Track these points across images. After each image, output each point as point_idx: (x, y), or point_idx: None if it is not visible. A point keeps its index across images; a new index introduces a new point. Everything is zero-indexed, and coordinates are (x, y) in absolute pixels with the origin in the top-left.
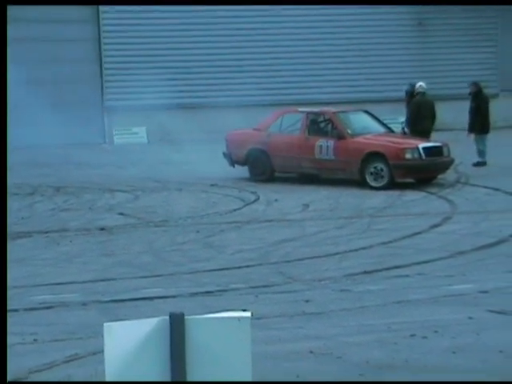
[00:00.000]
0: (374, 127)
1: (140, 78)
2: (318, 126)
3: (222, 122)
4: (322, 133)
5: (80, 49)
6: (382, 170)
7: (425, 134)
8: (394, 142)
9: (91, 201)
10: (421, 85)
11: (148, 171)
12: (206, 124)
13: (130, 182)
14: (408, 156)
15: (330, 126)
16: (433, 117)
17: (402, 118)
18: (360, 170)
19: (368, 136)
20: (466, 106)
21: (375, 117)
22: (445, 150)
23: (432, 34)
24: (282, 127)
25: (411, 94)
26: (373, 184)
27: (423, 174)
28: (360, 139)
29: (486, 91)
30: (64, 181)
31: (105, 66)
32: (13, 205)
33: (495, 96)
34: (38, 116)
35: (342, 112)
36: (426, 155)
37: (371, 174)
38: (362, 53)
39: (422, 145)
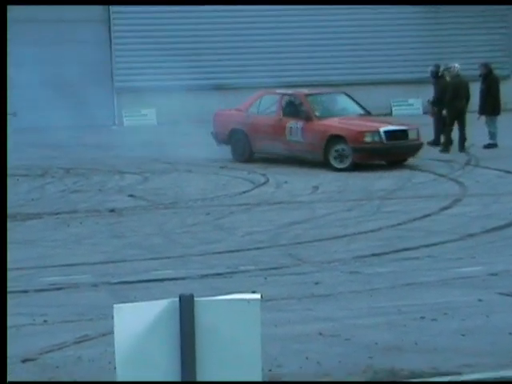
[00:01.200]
0: (350, 109)
1: (150, 59)
2: (290, 107)
3: (232, 104)
4: (294, 115)
5: (89, 30)
6: (344, 152)
7: (461, 115)
8: (356, 125)
9: (101, 182)
10: (456, 66)
11: (157, 153)
12: (216, 106)
13: (139, 163)
14: (367, 139)
15: (301, 108)
16: (467, 97)
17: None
18: (324, 151)
19: (335, 119)
20: (476, 87)
21: (354, 99)
22: (411, 133)
23: (443, 16)
24: (261, 108)
25: (436, 75)
26: (336, 165)
27: (385, 157)
28: (325, 122)
29: (497, 72)
30: (74, 162)
31: (114, 47)
32: (23, 186)
33: (506, 77)
34: (47, 98)
35: (315, 94)
36: (387, 138)
37: (334, 156)
38: (375, 34)
39: (383, 128)
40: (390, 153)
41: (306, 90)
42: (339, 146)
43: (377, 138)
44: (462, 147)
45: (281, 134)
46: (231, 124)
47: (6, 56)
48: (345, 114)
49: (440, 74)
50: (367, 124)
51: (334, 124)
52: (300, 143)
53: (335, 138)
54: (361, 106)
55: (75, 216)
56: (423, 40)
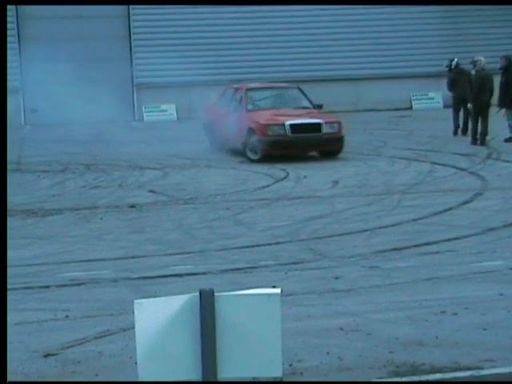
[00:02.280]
0: (295, 104)
1: (170, 54)
2: (235, 101)
3: None
4: (236, 108)
5: (109, 26)
6: (254, 144)
7: (485, 108)
8: (267, 119)
9: (121, 178)
10: (481, 59)
11: (177, 148)
12: None
13: (159, 159)
14: (270, 132)
15: (241, 101)
16: (491, 91)
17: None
18: (244, 143)
19: (262, 112)
20: (496, 80)
21: (305, 94)
22: (324, 126)
23: (463, 8)
24: (223, 102)
25: (450, 68)
26: (251, 157)
27: (289, 149)
28: (250, 115)
29: None
30: (94, 158)
31: (134, 43)
32: (44, 182)
33: None
34: (67, 94)
35: (257, 88)
36: (292, 132)
37: (250, 147)
38: (395, 28)
39: (290, 121)
40: (295, 145)
41: (255, 84)
42: (252, 139)
43: (281, 131)
44: (482, 141)
45: (228, 127)
46: (206, 117)
47: (6, 56)
48: (284, 107)
49: (453, 67)
50: (279, 117)
51: (252, 117)
52: (233, 135)
53: (250, 131)
54: (309, 100)
55: (96, 212)
56: (443, 33)
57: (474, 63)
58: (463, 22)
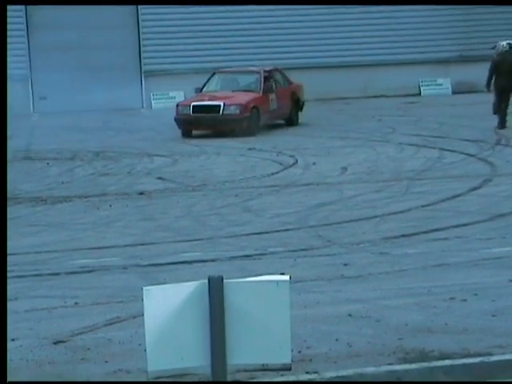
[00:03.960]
0: (247, 87)
1: (178, 41)
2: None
3: None
4: (198, 90)
5: (117, 14)
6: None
7: (504, 92)
8: (190, 100)
9: (130, 165)
10: (503, 44)
11: (186, 135)
12: None
13: (168, 146)
14: (180, 111)
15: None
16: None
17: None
18: None
19: (204, 94)
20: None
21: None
22: (228, 108)
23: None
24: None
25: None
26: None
27: (193, 126)
28: (196, 96)
29: None
30: (103, 146)
31: (142, 30)
32: (53, 170)
33: None
34: (76, 82)
35: (226, 72)
36: (193, 112)
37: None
38: (404, 14)
39: (194, 103)
40: (197, 124)
41: (228, 69)
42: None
43: (186, 111)
44: (502, 124)
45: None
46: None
47: (6, 55)
48: (235, 90)
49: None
50: (198, 98)
51: (192, 99)
52: None
53: None
54: (269, 85)
55: (105, 199)
56: (452, 19)
57: (495, 47)
58: (473, 7)
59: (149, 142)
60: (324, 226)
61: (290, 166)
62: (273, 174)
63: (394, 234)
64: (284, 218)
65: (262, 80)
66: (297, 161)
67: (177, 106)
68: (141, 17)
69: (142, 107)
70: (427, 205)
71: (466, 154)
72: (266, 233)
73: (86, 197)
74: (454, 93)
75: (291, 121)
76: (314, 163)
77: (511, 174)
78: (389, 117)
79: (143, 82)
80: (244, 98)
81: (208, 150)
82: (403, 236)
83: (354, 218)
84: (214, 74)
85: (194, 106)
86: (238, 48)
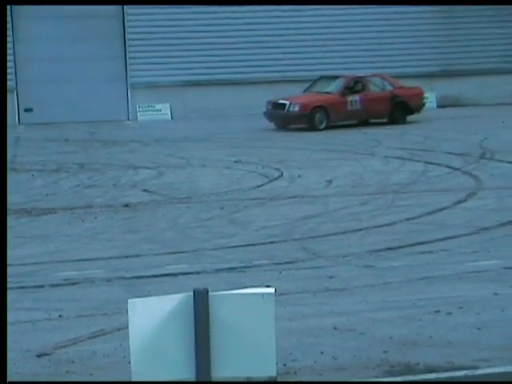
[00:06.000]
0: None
1: (164, 54)
2: None
3: (245, 98)
4: None
5: (104, 26)
6: None
7: None
8: (279, 98)
9: (115, 177)
10: None
11: (171, 148)
12: (231, 100)
13: (153, 158)
14: (266, 106)
15: None
16: None
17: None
18: None
19: (297, 95)
20: (490, 81)
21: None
22: (291, 106)
23: (458, 9)
24: None
25: None
26: None
27: (271, 119)
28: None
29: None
30: (89, 158)
31: (129, 42)
32: (38, 181)
33: None
34: (62, 93)
35: (327, 76)
36: (272, 107)
37: None
38: (388, 28)
39: (272, 100)
40: (272, 118)
41: (333, 74)
42: None
43: (268, 107)
44: None
45: None
46: None
47: (6, 55)
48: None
49: None
50: (287, 97)
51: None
52: None
53: None
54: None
55: (90, 211)
56: (437, 33)
57: None
58: (458, 22)
59: (135, 154)
60: (309, 238)
61: (276, 179)
62: (258, 186)
63: (380, 246)
64: (269, 230)
65: (343, 84)
66: (282, 173)
67: (267, 101)
68: (127, 29)
69: (128, 119)
70: (412, 218)
71: (450, 167)
72: (252, 245)
73: (70, 209)
74: (438, 106)
75: (394, 120)
76: (299, 176)
77: (496, 188)
78: (374, 129)
79: (129, 94)
80: (311, 98)
81: (194, 162)
82: (388, 249)
83: (340, 230)
84: (320, 77)
85: (271, 103)
86: (225, 61)
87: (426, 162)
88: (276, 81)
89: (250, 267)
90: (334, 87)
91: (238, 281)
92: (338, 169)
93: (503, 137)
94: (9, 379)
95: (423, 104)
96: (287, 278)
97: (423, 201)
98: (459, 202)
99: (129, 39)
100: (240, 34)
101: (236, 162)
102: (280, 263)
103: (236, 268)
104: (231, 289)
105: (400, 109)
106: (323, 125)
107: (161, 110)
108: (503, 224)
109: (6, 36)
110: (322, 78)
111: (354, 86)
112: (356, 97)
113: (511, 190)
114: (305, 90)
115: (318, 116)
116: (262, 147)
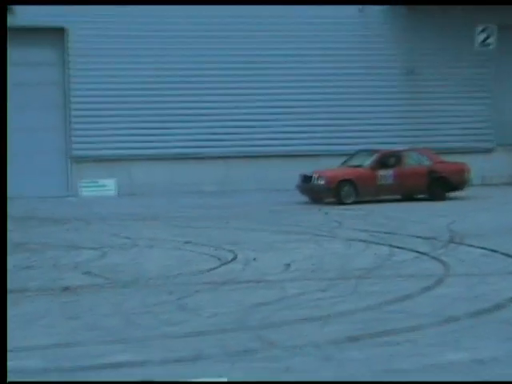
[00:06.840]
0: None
1: (109, 126)
2: None
3: (196, 174)
4: None
5: (45, 93)
6: None
7: None
8: (315, 171)
9: (55, 258)
10: None
11: (116, 226)
12: (183, 176)
13: (97, 238)
14: (298, 179)
15: None
16: None
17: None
18: None
19: (332, 168)
20: (457, 159)
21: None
22: (317, 179)
23: (423, 84)
24: None
25: None
26: None
27: (302, 191)
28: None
29: (480, 145)
30: (26, 236)
31: (72, 113)
32: None
33: (490, 150)
34: None
35: (363, 150)
36: (302, 181)
37: None
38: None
39: (303, 173)
40: (302, 190)
41: (367, 148)
42: None
43: (300, 179)
44: None
45: None
46: None
47: (6, 56)
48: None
49: None
50: (317, 170)
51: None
52: None
53: None
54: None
55: (26, 294)
56: (403, 109)
57: None
58: (422, 98)
59: (77, 233)
60: (264, 327)
61: (229, 262)
62: (210, 269)
63: (340, 336)
64: (222, 317)
65: (375, 158)
66: (236, 256)
67: (299, 174)
68: (71, 98)
69: (70, 195)
70: (376, 305)
71: (417, 251)
72: (202, 334)
73: None
74: None
75: (433, 196)
76: (254, 259)
77: (465, 274)
78: (336, 210)
79: (70, 167)
80: (339, 172)
81: (140, 242)
82: (349, 339)
83: (297, 318)
84: (358, 151)
85: (302, 176)
86: (176, 134)
87: (391, 246)
88: (228, 157)
89: (201, 358)
90: (367, 161)
91: (186, 372)
92: (296, 251)
93: (473, 220)
94: (15, 380)
95: (467, 180)
96: (240, 369)
97: (388, 287)
98: (427, 288)
99: (72, 109)
100: (192, 106)
101: (186, 242)
102: (233, 354)
103: (185, 358)
104: (179, 381)
105: (438, 184)
106: (351, 199)
107: (105, 186)
108: (473, 314)
109: (6, 36)
110: (359, 151)
111: (388, 160)
112: (389, 171)
113: (481, 277)
114: (342, 164)
115: (345, 190)
116: (215, 227)
